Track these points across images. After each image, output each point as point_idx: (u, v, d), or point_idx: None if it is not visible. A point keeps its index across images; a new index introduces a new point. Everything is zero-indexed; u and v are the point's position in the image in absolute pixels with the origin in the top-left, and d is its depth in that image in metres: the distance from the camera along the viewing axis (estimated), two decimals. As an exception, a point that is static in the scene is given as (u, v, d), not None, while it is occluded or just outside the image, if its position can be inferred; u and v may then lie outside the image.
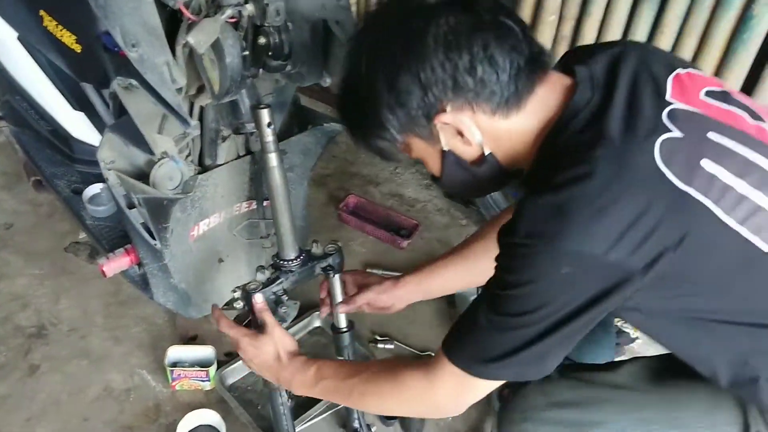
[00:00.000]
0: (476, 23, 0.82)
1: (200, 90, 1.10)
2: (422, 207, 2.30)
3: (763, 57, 1.64)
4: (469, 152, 0.91)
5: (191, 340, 1.75)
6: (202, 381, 1.62)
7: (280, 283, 1.20)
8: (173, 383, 1.63)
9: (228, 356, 1.71)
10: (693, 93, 0.88)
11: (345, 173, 2.40)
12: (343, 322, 1.38)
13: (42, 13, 1.43)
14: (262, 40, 1.05)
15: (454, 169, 0.92)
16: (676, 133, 0.81)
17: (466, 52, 0.81)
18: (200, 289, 1.44)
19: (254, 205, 1.43)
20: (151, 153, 1.10)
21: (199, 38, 0.94)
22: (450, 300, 1.88)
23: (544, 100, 0.87)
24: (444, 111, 0.85)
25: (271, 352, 1.13)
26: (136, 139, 1.11)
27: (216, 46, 0.97)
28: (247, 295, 1.15)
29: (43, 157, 1.60)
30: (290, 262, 1.22)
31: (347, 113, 0.94)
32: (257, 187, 1.37)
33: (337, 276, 1.27)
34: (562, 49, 2.00)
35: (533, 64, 0.85)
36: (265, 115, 1.10)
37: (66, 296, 1.84)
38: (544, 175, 0.82)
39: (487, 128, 0.87)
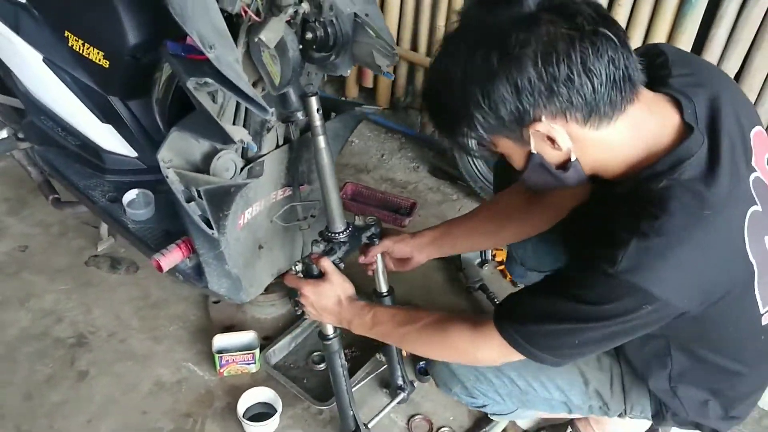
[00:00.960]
0: (576, 33, 0.84)
1: (255, 84, 1.23)
2: (414, 188, 2.46)
3: (709, 19, 1.88)
4: (556, 157, 0.95)
5: (228, 330, 1.85)
6: (249, 364, 1.74)
7: (335, 252, 1.35)
8: (221, 369, 1.73)
9: (266, 339, 1.82)
10: (762, 157, 1.00)
11: (337, 165, 2.52)
12: (384, 287, 1.54)
13: (67, 34, 1.52)
14: (309, 35, 1.19)
15: (537, 169, 0.97)
16: (758, 207, 0.95)
17: (565, 64, 0.84)
18: (248, 275, 1.55)
19: (288, 192, 1.55)
20: (224, 142, 1.21)
21: (270, 35, 1.07)
22: (459, 266, 2.05)
23: (637, 117, 0.92)
24: (538, 120, 0.89)
25: (333, 295, 1.28)
26: (204, 132, 1.23)
27: (279, 43, 1.10)
28: (307, 264, 1.30)
29: (72, 171, 1.67)
30: (340, 234, 1.37)
31: (436, 110, 0.98)
32: (293, 173, 1.49)
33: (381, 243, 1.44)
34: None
35: (629, 79, 0.88)
36: (314, 102, 1.24)
37: (97, 306, 1.91)
38: (649, 211, 0.89)
39: (578, 136, 0.91)
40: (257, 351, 1.73)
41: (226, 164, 1.32)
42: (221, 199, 1.30)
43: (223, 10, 1.13)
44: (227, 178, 1.32)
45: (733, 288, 0.95)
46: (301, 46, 1.16)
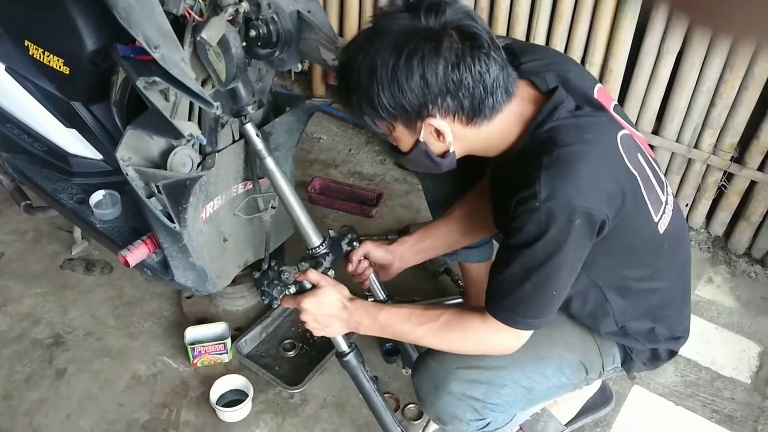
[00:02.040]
0: (479, 52, 1.03)
1: (203, 83, 1.30)
2: (380, 180, 2.54)
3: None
4: (438, 147, 1.14)
5: (201, 323, 1.91)
6: (221, 354, 1.80)
7: (321, 265, 1.38)
8: (194, 360, 1.80)
9: (238, 330, 1.89)
10: (608, 104, 1.20)
11: (305, 161, 2.60)
12: (381, 294, 1.59)
13: (28, 43, 1.58)
14: (252, 33, 1.26)
15: (420, 155, 1.15)
16: (625, 131, 1.15)
17: (468, 73, 1.03)
18: (213, 267, 1.62)
19: (249, 186, 1.62)
20: (175, 138, 1.28)
21: (211, 34, 1.14)
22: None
23: (513, 108, 1.11)
24: (433, 116, 1.07)
25: (333, 299, 1.27)
26: (158, 129, 1.30)
27: (221, 41, 1.17)
28: (299, 282, 1.32)
29: (40, 176, 1.73)
30: (319, 248, 1.41)
31: (346, 87, 1.11)
32: (252, 166, 1.56)
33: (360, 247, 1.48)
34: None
35: (506, 89, 1.08)
36: (249, 128, 1.35)
37: (73, 307, 1.97)
38: (545, 149, 1.07)
39: (458, 133, 1.11)
40: (228, 341, 1.79)
41: (183, 159, 1.39)
42: (179, 193, 1.37)
43: (168, 12, 1.20)
44: (184, 173, 1.39)
45: (627, 194, 1.09)
46: (244, 44, 1.23)
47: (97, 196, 1.67)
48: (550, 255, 1.07)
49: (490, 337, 1.19)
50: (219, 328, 1.82)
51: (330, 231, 1.48)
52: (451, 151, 1.14)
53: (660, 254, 1.26)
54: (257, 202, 1.63)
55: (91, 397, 1.74)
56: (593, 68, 2.15)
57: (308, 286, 1.31)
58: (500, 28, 2.26)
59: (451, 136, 1.10)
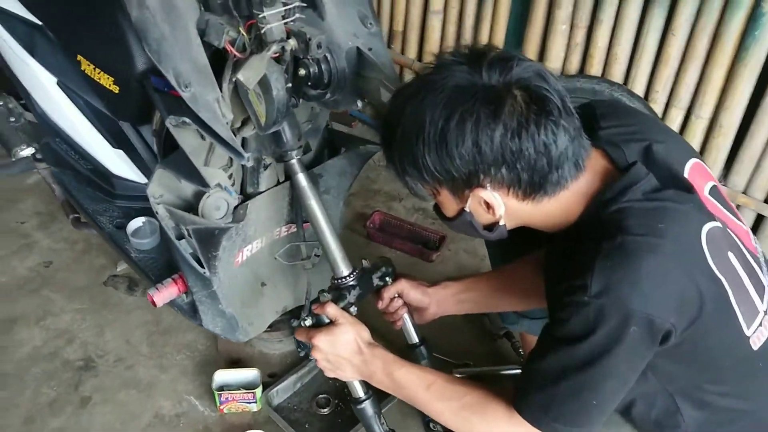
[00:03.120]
0: (545, 119, 0.88)
1: (244, 123, 1.16)
2: (446, 219, 2.34)
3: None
4: (485, 219, 1.00)
5: (234, 364, 1.79)
6: (249, 403, 1.66)
7: (345, 299, 1.24)
8: (221, 406, 1.67)
9: (272, 377, 1.75)
10: (702, 186, 1.01)
11: (369, 191, 2.45)
12: (414, 337, 1.42)
13: (80, 58, 1.49)
14: (302, 72, 1.11)
15: (464, 224, 1.01)
16: (716, 224, 0.96)
17: (530, 142, 0.88)
18: (245, 313, 1.48)
19: (293, 229, 1.47)
20: (202, 185, 1.15)
21: (248, 75, 0.99)
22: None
23: (579, 184, 0.96)
24: (483, 187, 0.93)
25: (349, 341, 1.13)
26: (187, 173, 1.17)
27: (262, 81, 1.02)
28: (317, 315, 1.18)
29: (84, 195, 1.66)
30: (346, 279, 1.27)
31: (388, 142, 0.99)
32: (296, 210, 1.41)
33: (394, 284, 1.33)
34: (575, 56, 2.05)
35: (576, 164, 0.93)
36: (295, 169, 1.22)
37: (109, 329, 1.89)
38: (607, 234, 0.90)
39: (512, 208, 0.97)
40: (259, 390, 1.65)
41: (217, 203, 1.26)
42: (208, 240, 1.24)
43: (209, 45, 1.06)
44: (217, 218, 1.26)
45: (706, 301, 0.91)
46: (289, 84, 1.08)
47: (136, 223, 1.57)
48: (594, 360, 0.90)
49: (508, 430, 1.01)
50: (250, 374, 1.68)
51: (364, 261, 1.34)
52: (500, 224, 1.00)
53: (753, 374, 1.03)
54: (300, 249, 1.48)
55: (111, 431, 1.64)
56: (700, 122, 1.88)
57: (326, 320, 1.17)
58: (595, 68, 2.02)
59: (503, 210, 0.97)
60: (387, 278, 1.34)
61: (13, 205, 2.33)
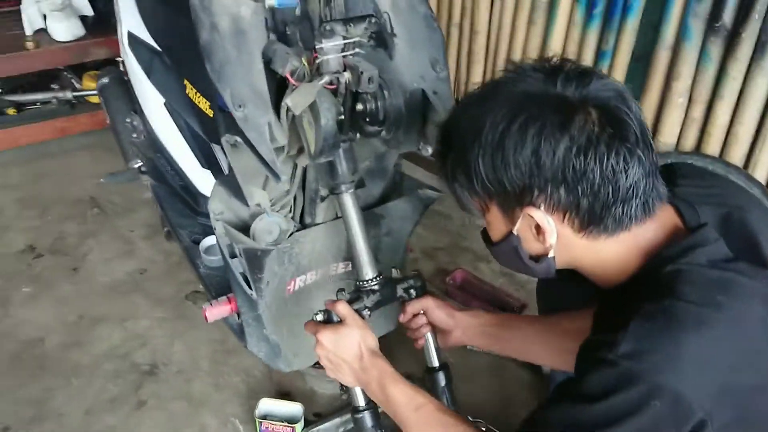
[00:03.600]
0: (619, 143, 0.80)
1: (300, 150, 1.18)
2: (533, 288, 2.21)
3: None
4: (534, 247, 0.90)
5: (284, 395, 1.78)
6: (288, 437, 1.64)
7: (362, 300, 1.20)
8: (261, 435, 1.66)
9: (317, 416, 1.72)
10: None
11: (457, 247, 2.39)
12: (434, 361, 1.33)
13: (185, 82, 1.62)
14: (359, 107, 1.12)
15: (509, 251, 0.92)
16: None
17: (596, 163, 0.80)
18: (292, 343, 1.48)
19: (350, 267, 1.46)
20: (244, 203, 1.18)
21: (297, 101, 1.02)
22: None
23: (643, 233, 0.87)
24: (537, 206, 0.84)
25: (353, 344, 1.09)
26: (237, 191, 1.20)
27: (313, 109, 1.04)
28: (329, 312, 1.15)
29: (173, 208, 1.77)
30: (368, 282, 1.22)
31: (444, 146, 0.94)
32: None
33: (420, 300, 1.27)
34: (692, 132, 1.90)
35: (646, 204, 0.84)
36: (347, 203, 1.20)
37: (180, 340, 1.97)
38: (655, 294, 0.80)
39: (565, 239, 0.87)
40: (299, 426, 1.63)
41: (269, 227, 1.28)
42: (254, 262, 1.25)
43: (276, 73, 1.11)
44: (267, 241, 1.28)
45: (758, 396, 0.79)
46: (342, 116, 1.09)
47: (209, 240, 1.65)
48: (603, 425, 0.77)
49: None
50: (294, 408, 1.67)
51: (394, 269, 1.28)
52: (549, 256, 0.89)
53: None
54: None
55: (156, 438, 1.69)
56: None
57: (336, 319, 1.13)
58: (712, 147, 1.85)
59: (554, 239, 0.87)
60: (412, 291, 1.27)
61: (129, 214, 2.54)
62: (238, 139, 1.08)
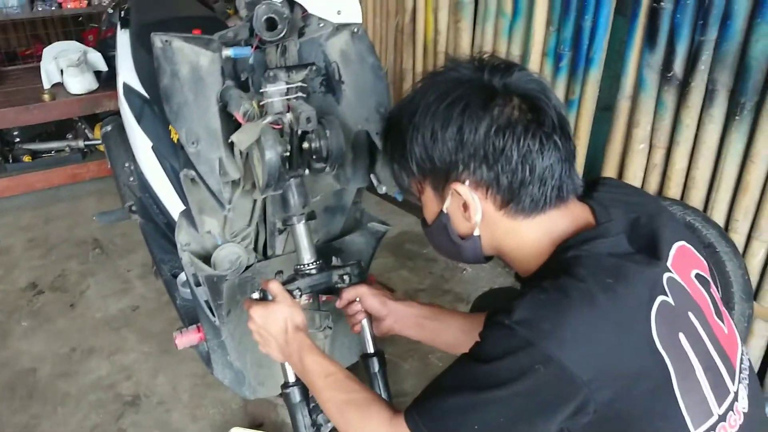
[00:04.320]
0: (536, 127, 0.88)
1: (254, 185, 1.29)
2: (509, 329, 2.27)
3: None
4: (462, 226, 0.98)
5: (257, 426, 1.84)
6: (256, 466, 1.70)
7: (295, 281, 1.26)
8: (230, 463, 1.72)
9: (286, 448, 1.77)
10: (687, 269, 0.95)
11: (438, 289, 2.46)
12: (370, 347, 1.37)
13: (170, 127, 1.76)
14: (305, 145, 1.23)
15: (441, 230, 1.00)
16: (670, 300, 0.87)
17: (513, 144, 0.88)
18: (256, 372, 1.56)
19: (310, 299, 1.55)
20: (197, 231, 1.28)
21: (241, 137, 1.13)
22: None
23: (557, 220, 0.94)
24: (462, 181, 0.92)
25: (280, 319, 1.16)
26: (191, 222, 1.31)
27: (260, 146, 1.16)
28: (264, 290, 1.21)
29: (157, 244, 1.88)
30: (305, 266, 1.29)
31: (387, 132, 1.03)
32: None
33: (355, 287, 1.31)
34: (654, 177, 1.98)
35: (559, 188, 0.91)
36: (299, 232, 1.28)
37: (163, 373, 2.06)
38: (554, 275, 0.86)
39: (489, 216, 0.94)
40: (266, 455, 1.69)
41: (230, 256, 1.38)
42: (213, 288, 1.35)
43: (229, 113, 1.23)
44: (226, 269, 1.37)
45: (640, 377, 0.82)
46: (288, 153, 1.19)
47: (185, 275, 1.74)
48: (490, 385, 0.83)
49: None
50: (262, 437, 1.73)
51: (335, 258, 1.35)
52: (475, 234, 0.97)
53: None
54: (314, 319, 1.55)
55: (130, 466, 1.76)
56: (784, 258, 1.70)
57: (270, 297, 1.20)
58: (673, 191, 1.93)
59: (479, 216, 0.94)
60: (346, 278, 1.31)
61: (128, 254, 2.68)
62: (194, 173, 1.20)
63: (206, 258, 1.42)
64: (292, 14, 1.20)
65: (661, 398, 0.83)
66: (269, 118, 1.15)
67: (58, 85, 3.03)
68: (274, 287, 1.19)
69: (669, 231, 0.96)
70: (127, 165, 2.21)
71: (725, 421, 0.88)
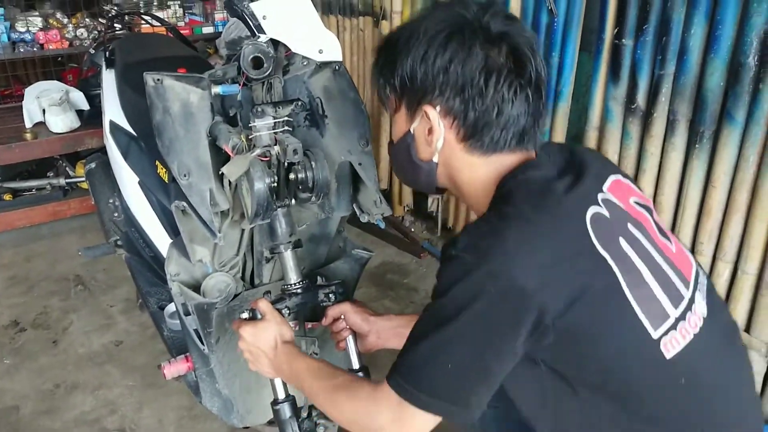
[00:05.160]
0: (514, 76, 0.94)
1: (243, 216, 1.34)
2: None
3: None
4: (423, 150, 1.03)
5: (244, 457, 1.85)
6: (244, 496, 1.71)
7: (284, 300, 1.32)
8: (218, 495, 1.72)
9: (272, 476, 1.78)
10: (625, 196, 1.01)
11: (416, 303, 2.51)
12: (355, 363, 1.41)
13: (157, 163, 1.81)
14: (292, 176, 1.29)
15: (404, 149, 1.05)
16: (604, 212, 0.95)
17: (491, 84, 0.94)
18: (245, 400, 1.58)
19: (296, 326, 1.59)
20: (189, 260, 1.33)
21: (230, 169, 1.19)
22: None
23: (507, 161, 1.00)
24: (433, 106, 0.97)
25: (269, 337, 1.21)
26: (183, 251, 1.36)
27: (248, 177, 1.22)
28: (253, 310, 1.27)
29: (143, 277, 1.91)
30: (292, 286, 1.35)
31: (381, 50, 1.06)
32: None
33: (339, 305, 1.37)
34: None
35: (521, 135, 0.98)
36: (286, 260, 1.35)
37: (149, 406, 2.06)
38: (495, 205, 0.96)
39: (449, 146, 1.00)
40: (253, 484, 1.70)
41: (219, 285, 1.43)
42: (203, 317, 1.39)
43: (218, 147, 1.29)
44: (216, 297, 1.41)
45: (591, 282, 0.88)
46: (275, 183, 1.26)
47: (173, 306, 1.78)
48: (450, 316, 0.88)
49: (369, 407, 0.98)
50: (250, 467, 1.74)
51: (319, 277, 1.41)
52: (434, 159, 1.02)
53: (672, 389, 0.92)
54: (300, 344, 1.59)
55: (117, 500, 1.76)
56: (747, 278, 1.79)
57: (259, 316, 1.25)
58: (641, 216, 2.02)
59: (441, 143, 1.00)
60: (331, 296, 1.37)
61: (111, 290, 2.69)
62: (185, 204, 1.25)
63: (195, 287, 1.46)
64: (276, 53, 1.27)
65: (613, 302, 0.89)
66: (257, 151, 1.21)
67: (40, 124, 3.06)
68: (264, 305, 1.25)
69: (604, 165, 1.05)
70: (111, 201, 2.24)
71: (685, 320, 0.93)
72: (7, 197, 3.09)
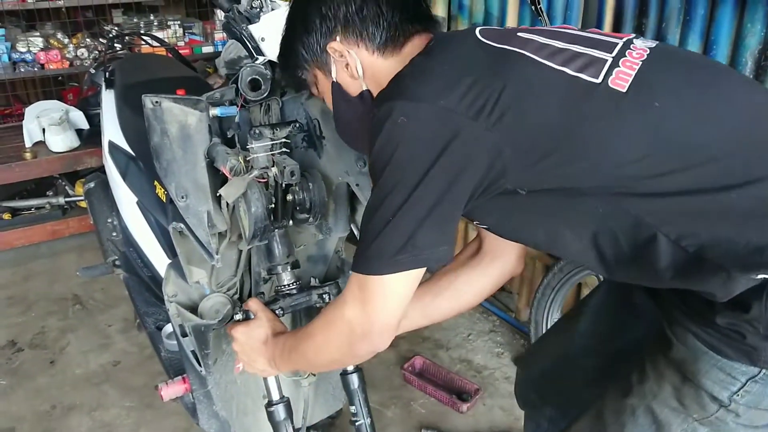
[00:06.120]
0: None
1: (240, 237, 1.34)
2: (490, 374, 2.31)
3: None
4: (352, 86, 1.07)
5: (241, 479, 1.84)
6: None
7: (277, 301, 1.33)
8: None
9: (270, 499, 1.76)
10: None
11: (418, 336, 2.50)
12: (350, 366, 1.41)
13: (155, 183, 1.82)
14: (289, 197, 1.29)
15: (340, 101, 1.09)
16: (492, 29, 1.02)
17: (370, 9, 1.01)
18: (242, 421, 1.57)
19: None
20: (186, 281, 1.33)
21: (228, 191, 1.20)
22: None
23: (417, 48, 1.03)
24: (335, 39, 1.04)
25: (261, 335, 1.22)
26: (180, 272, 1.36)
27: (246, 199, 1.22)
28: (246, 311, 1.29)
29: (140, 297, 1.91)
30: (286, 287, 1.36)
31: (280, 53, 1.14)
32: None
33: None
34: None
35: (415, 18, 1.04)
36: (284, 279, 1.37)
37: (145, 428, 2.05)
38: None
39: (368, 65, 1.04)
40: (250, 507, 1.68)
41: (216, 306, 1.42)
42: (200, 338, 1.38)
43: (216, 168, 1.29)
44: (214, 319, 1.41)
45: (507, 83, 0.89)
46: (272, 205, 1.26)
47: (171, 327, 1.77)
48: (395, 182, 0.89)
49: (341, 306, 0.99)
50: (246, 490, 1.72)
51: (313, 279, 1.42)
52: (364, 88, 1.06)
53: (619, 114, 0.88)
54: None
55: None
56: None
57: (252, 317, 1.26)
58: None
59: (360, 67, 1.04)
60: (326, 297, 1.38)
61: (109, 309, 2.68)
62: (183, 225, 1.25)
63: (193, 309, 1.45)
64: (274, 75, 1.28)
65: (535, 78, 0.90)
66: (255, 173, 1.22)
67: (40, 144, 3.07)
68: (254, 305, 1.27)
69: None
70: (110, 220, 2.24)
71: (625, 56, 0.92)
72: (6, 216, 3.09)
